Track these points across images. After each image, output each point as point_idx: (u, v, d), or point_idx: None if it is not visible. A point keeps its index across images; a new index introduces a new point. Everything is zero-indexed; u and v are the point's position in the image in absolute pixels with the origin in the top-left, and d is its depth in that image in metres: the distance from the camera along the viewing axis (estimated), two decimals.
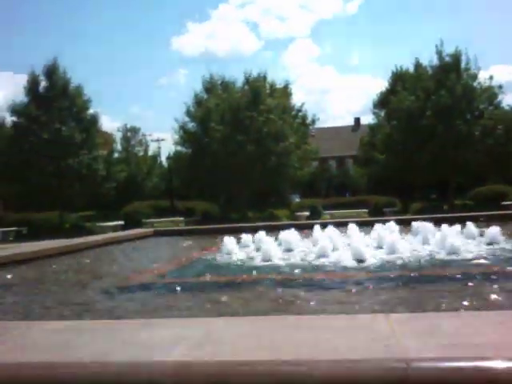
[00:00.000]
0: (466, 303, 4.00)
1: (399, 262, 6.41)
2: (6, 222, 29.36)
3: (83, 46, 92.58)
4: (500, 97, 29.00)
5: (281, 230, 8.63)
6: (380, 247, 7.38)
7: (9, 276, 6.85)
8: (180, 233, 13.44)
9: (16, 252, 8.44)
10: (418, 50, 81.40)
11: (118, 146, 48.87)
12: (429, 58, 30.03)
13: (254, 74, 33.22)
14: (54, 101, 29.48)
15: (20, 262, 7.74)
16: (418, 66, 30.96)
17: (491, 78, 28.64)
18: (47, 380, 2.11)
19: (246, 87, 32.18)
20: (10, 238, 26.60)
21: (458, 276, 5.39)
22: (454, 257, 6.54)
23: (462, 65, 28.88)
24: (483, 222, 10.18)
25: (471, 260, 6.35)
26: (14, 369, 2.16)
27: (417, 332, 2.39)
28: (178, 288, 5.36)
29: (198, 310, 4.32)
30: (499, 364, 1.96)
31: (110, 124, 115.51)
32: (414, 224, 9.05)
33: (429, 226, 8.37)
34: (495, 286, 4.70)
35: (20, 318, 4.30)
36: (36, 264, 7.85)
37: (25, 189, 28.64)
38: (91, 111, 31.67)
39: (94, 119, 31.37)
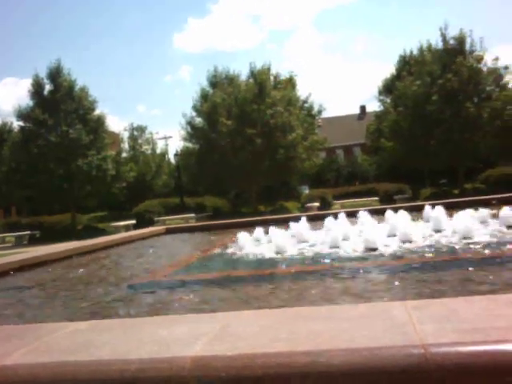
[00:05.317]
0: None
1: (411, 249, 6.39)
2: (18, 226, 29.71)
3: (86, 48, 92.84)
4: (507, 77, 28.77)
5: (292, 222, 8.62)
6: (393, 235, 7.35)
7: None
8: (191, 229, 13.47)
9: (44, 253, 8.62)
10: (423, 35, 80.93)
11: (126, 146, 49.15)
12: (434, 42, 29.83)
13: (258, 66, 33.22)
14: (60, 103, 29.64)
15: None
16: (422, 50, 30.75)
17: (497, 59, 28.45)
18: (72, 378, 2.15)
19: (251, 80, 32.16)
20: (24, 242, 26.87)
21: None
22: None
23: (467, 47, 28.67)
24: (495, 205, 10.11)
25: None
26: (38, 368, 2.21)
27: (434, 318, 2.39)
28: (194, 285, 5.45)
29: (214, 306, 4.36)
30: None
31: (118, 124, 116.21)
32: (426, 208, 9.00)
33: (441, 210, 8.30)
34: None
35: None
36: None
37: (36, 192, 28.88)
38: (98, 112, 31.83)
39: (101, 120, 31.52)
